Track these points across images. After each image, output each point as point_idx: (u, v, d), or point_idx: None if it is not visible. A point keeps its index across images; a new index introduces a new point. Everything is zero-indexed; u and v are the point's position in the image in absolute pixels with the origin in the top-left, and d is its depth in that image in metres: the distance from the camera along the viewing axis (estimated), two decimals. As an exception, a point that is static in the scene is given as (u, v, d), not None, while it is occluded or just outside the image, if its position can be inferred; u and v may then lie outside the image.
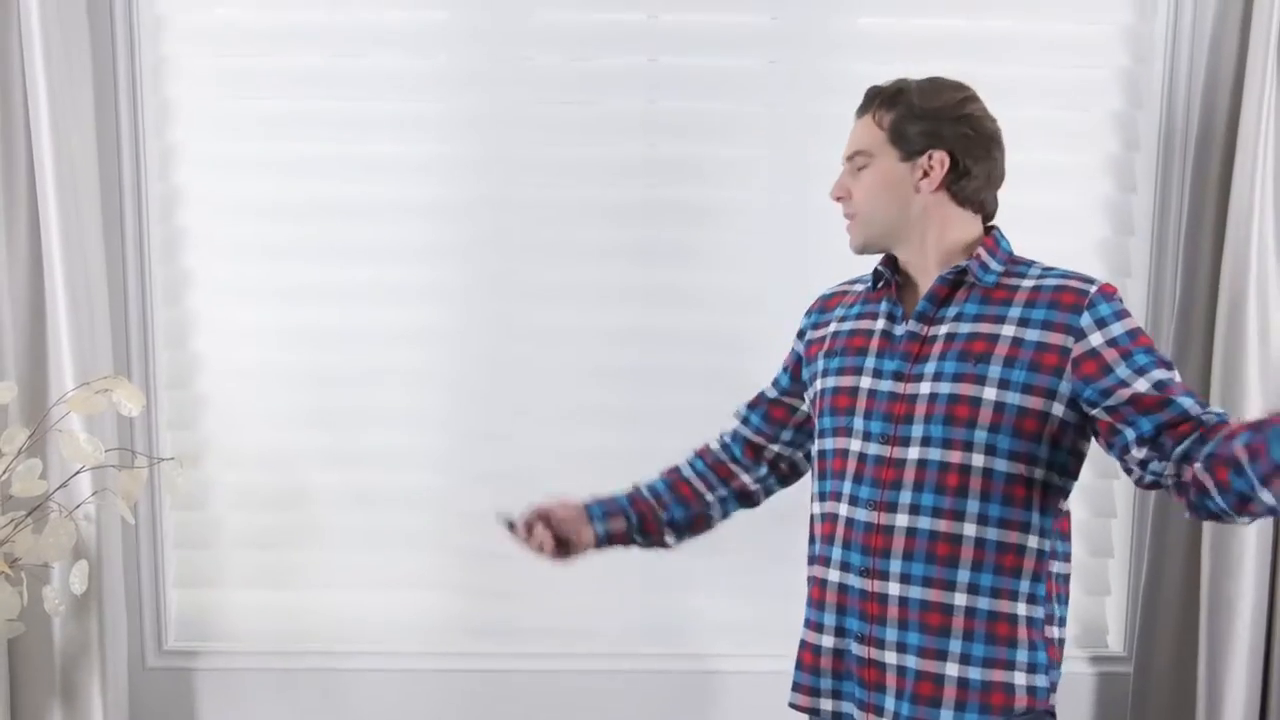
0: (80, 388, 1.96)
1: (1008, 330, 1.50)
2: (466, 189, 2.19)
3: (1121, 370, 1.46)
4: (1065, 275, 1.53)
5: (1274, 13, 1.96)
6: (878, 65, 2.08)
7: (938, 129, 1.55)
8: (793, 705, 1.62)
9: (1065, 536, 1.56)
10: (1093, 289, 1.50)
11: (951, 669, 1.49)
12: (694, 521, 1.77)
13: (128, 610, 2.20)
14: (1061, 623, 1.57)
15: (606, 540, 1.74)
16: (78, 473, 2.01)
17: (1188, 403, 1.44)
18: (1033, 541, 1.50)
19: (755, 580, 2.24)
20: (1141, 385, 1.45)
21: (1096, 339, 1.47)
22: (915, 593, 1.50)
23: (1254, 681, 2.04)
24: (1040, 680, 1.51)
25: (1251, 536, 2.01)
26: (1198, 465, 1.37)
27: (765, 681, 2.16)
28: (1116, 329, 1.48)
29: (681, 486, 1.77)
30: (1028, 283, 1.54)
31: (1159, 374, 1.46)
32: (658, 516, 1.75)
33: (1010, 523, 1.49)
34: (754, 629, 2.26)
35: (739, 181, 2.19)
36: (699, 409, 2.15)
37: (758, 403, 1.78)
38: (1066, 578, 1.57)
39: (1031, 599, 1.51)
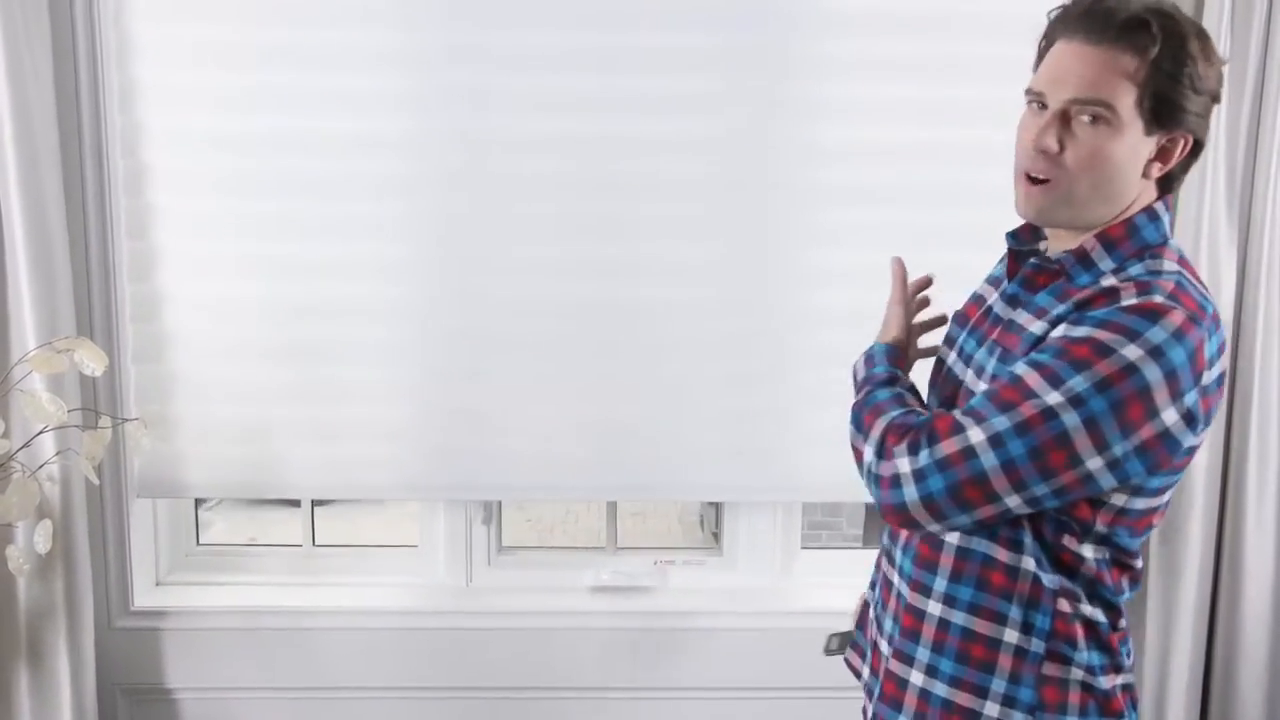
0: (41, 347, 1.95)
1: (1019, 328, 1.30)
2: (432, 164, 2.15)
3: (1014, 364, 1.23)
4: (1141, 279, 1.20)
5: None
6: (843, 41, 2.09)
7: (1204, 110, 1.20)
8: None
9: (1095, 581, 1.30)
10: (1130, 300, 1.17)
11: (916, 677, 1.36)
12: None
13: (94, 571, 2.20)
14: (1102, 670, 1.31)
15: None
16: (40, 433, 1.99)
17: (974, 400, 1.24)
18: (1028, 564, 1.29)
19: (734, 441, 2.23)
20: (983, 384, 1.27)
21: (1050, 335, 1.22)
22: (904, 589, 1.39)
23: (1194, 692, 2.13)
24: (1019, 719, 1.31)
25: (1195, 548, 2.07)
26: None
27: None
28: (1081, 330, 1.17)
29: None
30: (1109, 280, 1.23)
31: (1016, 370, 1.20)
32: None
33: (995, 536, 1.30)
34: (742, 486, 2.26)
35: (703, 156, 2.15)
36: (661, 380, 2.20)
37: None
38: (1106, 626, 1.31)
39: (1026, 627, 1.30)
